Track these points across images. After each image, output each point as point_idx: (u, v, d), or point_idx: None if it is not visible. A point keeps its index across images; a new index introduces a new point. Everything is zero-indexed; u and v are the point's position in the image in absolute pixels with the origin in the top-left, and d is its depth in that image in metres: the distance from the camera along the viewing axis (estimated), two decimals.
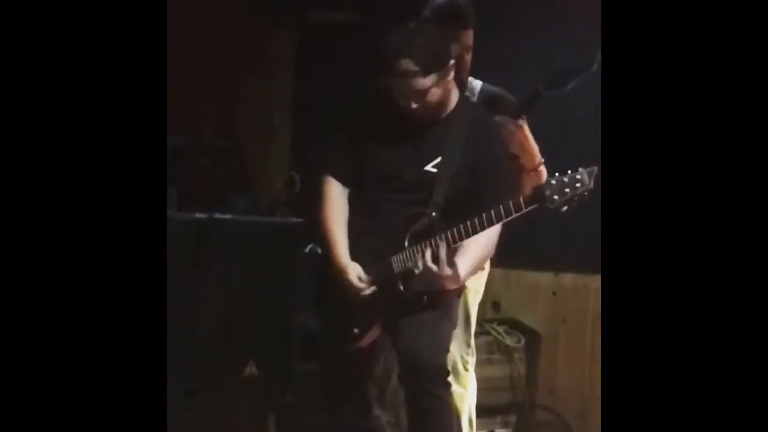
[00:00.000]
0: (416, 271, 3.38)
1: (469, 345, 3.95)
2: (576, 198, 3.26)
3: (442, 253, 3.33)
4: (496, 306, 5.30)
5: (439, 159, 3.45)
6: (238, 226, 4.61)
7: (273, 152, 5.81)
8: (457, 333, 3.73)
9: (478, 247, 3.43)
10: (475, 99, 3.79)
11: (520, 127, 3.75)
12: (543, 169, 3.81)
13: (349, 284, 3.46)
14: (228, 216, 4.62)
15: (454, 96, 3.53)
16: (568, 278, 5.01)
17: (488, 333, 5.06)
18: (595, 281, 5.31)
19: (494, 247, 3.52)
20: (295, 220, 4.64)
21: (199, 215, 4.54)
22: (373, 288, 3.46)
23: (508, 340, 5.06)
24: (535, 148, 3.85)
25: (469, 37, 3.70)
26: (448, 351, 3.51)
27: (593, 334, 5.30)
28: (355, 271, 3.46)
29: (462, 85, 3.70)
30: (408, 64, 3.34)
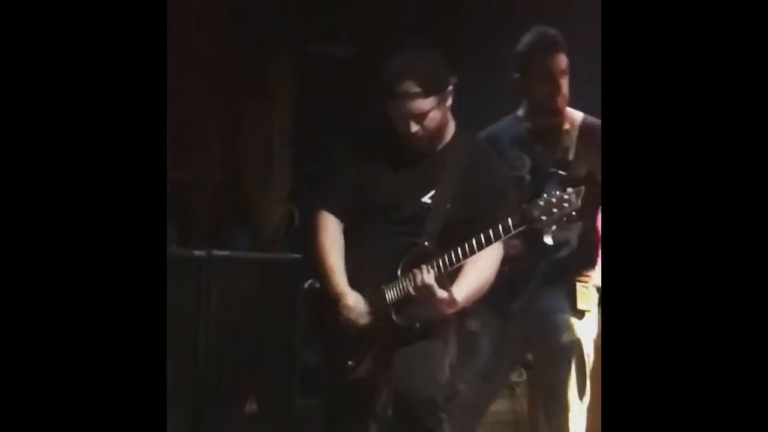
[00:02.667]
0: (411, 293, 3.37)
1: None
2: (564, 218, 3.27)
3: (430, 278, 3.32)
4: None
5: (433, 191, 3.48)
6: (237, 263, 4.60)
7: (272, 187, 5.81)
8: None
9: (477, 271, 3.43)
10: (575, 131, 3.85)
11: None
12: None
13: (347, 310, 3.47)
14: (226, 252, 4.60)
15: (451, 127, 3.57)
16: None
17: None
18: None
19: (495, 272, 3.50)
20: (294, 255, 4.63)
21: (197, 252, 4.53)
22: (369, 317, 3.46)
23: (513, 375, 5.02)
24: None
25: (563, 61, 3.81)
26: (441, 382, 3.45)
27: (595, 368, 5.27)
28: (353, 297, 3.48)
29: (560, 111, 3.82)
30: (409, 86, 3.40)
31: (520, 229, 3.31)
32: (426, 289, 3.33)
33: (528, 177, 3.86)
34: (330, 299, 3.51)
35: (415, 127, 3.44)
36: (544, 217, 3.26)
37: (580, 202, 3.25)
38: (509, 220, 3.31)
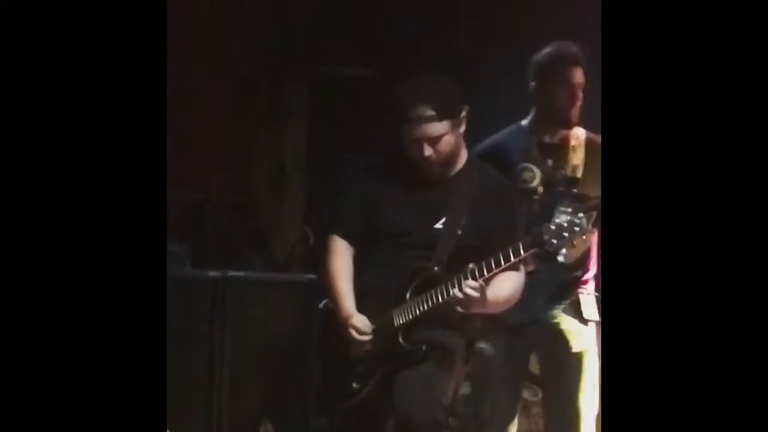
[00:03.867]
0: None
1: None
2: (574, 242, 3.29)
3: (470, 289, 3.31)
4: None
5: (444, 218, 3.50)
6: (252, 284, 4.60)
7: (286, 208, 5.81)
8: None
9: (506, 281, 3.44)
10: (582, 149, 3.93)
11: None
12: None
13: (353, 333, 3.48)
14: (241, 273, 4.61)
15: (464, 155, 3.60)
16: None
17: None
18: None
19: (519, 292, 3.52)
20: (308, 276, 4.63)
21: (212, 273, 4.53)
22: (376, 340, 3.47)
23: (526, 394, 5.00)
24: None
25: (581, 76, 3.89)
26: (444, 403, 3.43)
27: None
28: (360, 321, 3.50)
29: (573, 123, 3.90)
30: (424, 110, 3.44)
31: (530, 251, 3.33)
32: (469, 296, 3.31)
33: (540, 189, 3.89)
34: (339, 321, 3.53)
35: (428, 151, 3.47)
36: (554, 241, 3.27)
37: (590, 226, 3.27)
38: (519, 243, 3.32)
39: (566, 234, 3.26)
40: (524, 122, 4.04)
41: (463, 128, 3.54)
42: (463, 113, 3.52)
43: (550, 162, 3.96)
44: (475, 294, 3.32)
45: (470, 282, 3.32)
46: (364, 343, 3.49)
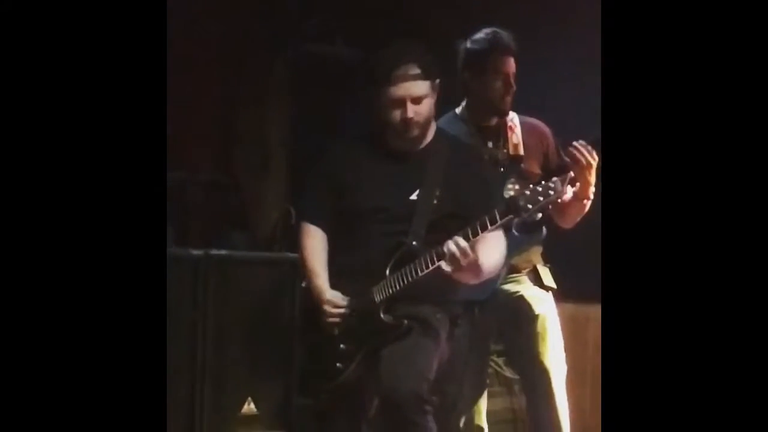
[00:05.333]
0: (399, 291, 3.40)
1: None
2: (549, 206, 3.36)
3: (463, 241, 3.34)
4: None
5: (418, 190, 3.53)
6: (235, 262, 4.59)
7: (269, 186, 5.80)
8: None
9: (491, 248, 3.47)
10: (518, 128, 4.01)
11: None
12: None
13: (328, 311, 3.51)
14: (224, 252, 4.59)
15: (433, 126, 3.64)
16: (568, 308, 4.98)
17: (489, 365, 5.01)
18: (594, 311, 5.29)
19: (503, 259, 3.57)
20: (291, 255, 4.61)
21: (195, 251, 4.52)
22: (350, 315, 3.50)
23: (508, 372, 5.02)
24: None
25: (513, 64, 3.95)
26: (428, 378, 3.45)
27: (594, 365, 5.27)
28: (333, 296, 3.53)
29: (507, 112, 3.98)
30: (409, 68, 3.49)
31: (507, 218, 3.35)
32: (459, 250, 3.32)
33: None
34: (314, 300, 3.56)
35: (411, 112, 3.49)
36: (530, 206, 3.31)
37: (565, 189, 3.34)
38: (495, 211, 3.34)
39: (541, 198, 3.29)
40: (458, 110, 4.09)
41: (435, 97, 3.57)
42: (438, 81, 3.56)
43: (490, 143, 4.03)
44: (464, 245, 3.32)
45: (459, 239, 3.33)
46: (339, 320, 3.50)
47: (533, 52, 4.33)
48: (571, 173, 3.52)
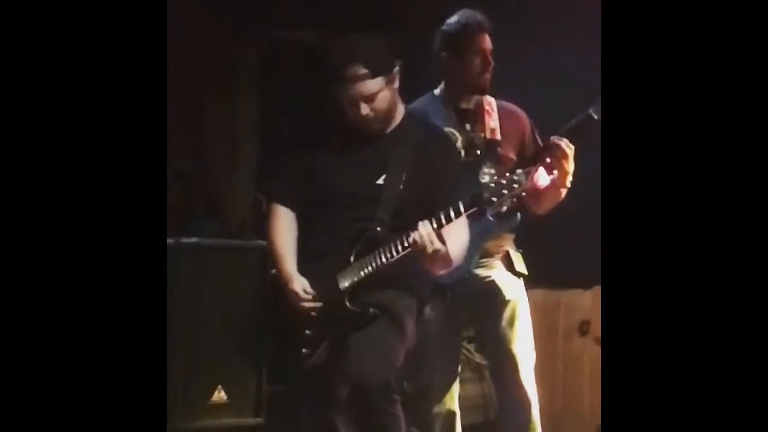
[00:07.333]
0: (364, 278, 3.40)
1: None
2: (514, 198, 3.38)
3: (429, 228, 3.33)
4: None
5: (384, 175, 3.52)
6: (205, 250, 4.58)
7: (239, 175, 5.79)
8: None
9: (457, 237, 3.45)
10: (495, 113, 4.00)
11: None
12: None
13: (295, 296, 3.49)
14: (194, 240, 4.58)
15: (401, 110, 3.62)
16: (539, 294, 5.00)
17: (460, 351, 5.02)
18: (566, 297, 5.31)
19: (467, 247, 3.56)
20: (261, 242, 4.60)
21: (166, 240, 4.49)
22: (319, 303, 3.48)
23: (478, 358, 5.03)
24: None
25: (488, 41, 3.97)
26: (395, 365, 3.45)
27: (564, 350, 5.29)
28: (300, 283, 3.51)
29: (486, 89, 3.97)
30: (356, 68, 3.46)
31: (471, 210, 3.36)
32: (427, 239, 3.32)
33: (462, 153, 3.94)
34: (281, 285, 3.55)
35: (365, 110, 3.48)
36: (494, 199, 3.31)
37: (529, 181, 3.35)
38: (460, 203, 3.34)
39: (506, 191, 3.29)
40: (437, 91, 4.09)
41: (396, 84, 3.55)
42: (396, 68, 3.54)
43: (468, 126, 4.03)
44: (431, 235, 3.32)
45: (426, 229, 3.32)
46: (306, 305, 3.49)
47: (527, 33, 4.37)
48: (541, 165, 3.57)
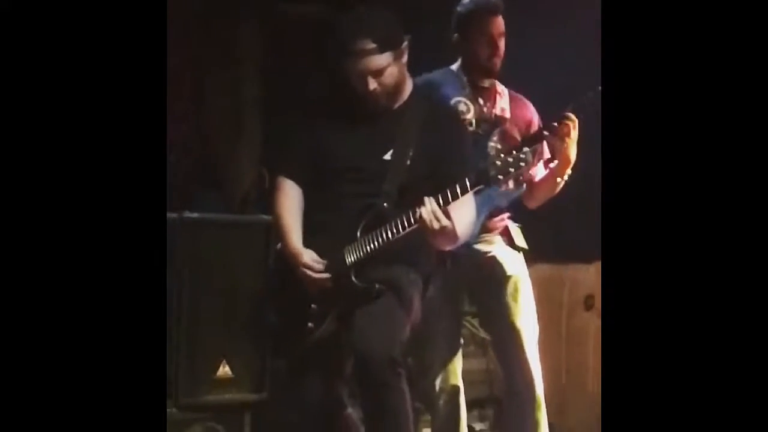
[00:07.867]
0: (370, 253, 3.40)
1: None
2: (520, 176, 3.40)
3: (434, 205, 3.32)
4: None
5: (391, 150, 3.50)
6: (208, 225, 4.57)
7: (242, 149, 5.78)
8: None
9: (464, 215, 3.44)
10: (506, 95, 4.07)
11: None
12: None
13: (302, 269, 3.48)
14: (197, 214, 4.57)
15: (408, 85, 3.61)
16: (544, 269, 5.00)
17: (462, 326, 5.02)
18: (569, 271, 5.31)
19: (475, 221, 3.57)
20: (264, 217, 4.60)
21: (169, 214, 4.49)
22: (326, 275, 3.47)
23: (482, 333, 5.03)
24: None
25: (501, 24, 4.01)
26: (401, 339, 3.45)
27: (569, 324, 5.30)
28: (308, 256, 3.50)
29: (496, 72, 4.02)
30: (364, 42, 3.43)
31: (478, 187, 3.34)
32: (433, 215, 3.32)
33: (473, 124, 3.98)
34: (287, 258, 3.53)
35: (373, 84, 3.47)
36: (500, 177, 3.29)
37: (535, 160, 3.37)
38: (467, 180, 3.32)
39: (512, 169, 3.28)
40: (454, 67, 4.13)
41: (405, 59, 3.54)
42: (405, 43, 3.52)
43: (480, 101, 4.06)
44: (438, 212, 3.31)
45: (432, 205, 3.31)
46: (315, 279, 3.48)
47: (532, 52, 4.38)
48: (546, 147, 3.59)
